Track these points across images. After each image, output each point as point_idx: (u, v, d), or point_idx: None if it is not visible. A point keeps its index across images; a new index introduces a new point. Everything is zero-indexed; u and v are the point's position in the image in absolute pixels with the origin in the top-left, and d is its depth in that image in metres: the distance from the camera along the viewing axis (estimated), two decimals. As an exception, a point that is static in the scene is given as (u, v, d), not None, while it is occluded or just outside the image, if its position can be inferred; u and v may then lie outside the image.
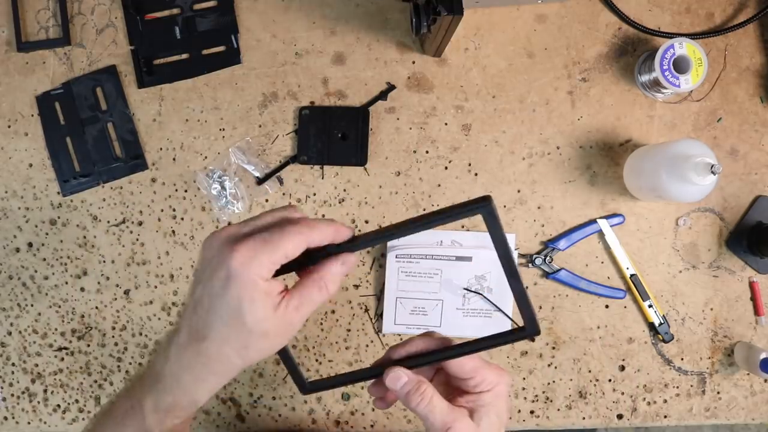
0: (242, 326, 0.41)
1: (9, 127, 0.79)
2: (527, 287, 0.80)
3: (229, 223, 0.73)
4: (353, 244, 0.43)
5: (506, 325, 0.78)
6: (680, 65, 0.74)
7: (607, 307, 0.80)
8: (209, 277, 0.41)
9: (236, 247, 0.40)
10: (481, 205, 0.40)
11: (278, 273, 0.43)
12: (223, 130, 0.79)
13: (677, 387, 0.80)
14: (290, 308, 0.42)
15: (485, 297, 0.78)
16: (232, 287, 0.40)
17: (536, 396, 0.80)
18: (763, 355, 0.74)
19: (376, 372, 0.46)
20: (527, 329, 0.43)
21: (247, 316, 0.40)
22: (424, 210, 0.80)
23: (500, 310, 0.78)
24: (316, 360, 0.80)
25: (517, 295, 0.43)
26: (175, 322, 0.80)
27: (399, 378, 0.44)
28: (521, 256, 0.79)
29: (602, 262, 0.80)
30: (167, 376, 0.44)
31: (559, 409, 0.80)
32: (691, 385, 0.80)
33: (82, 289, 0.80)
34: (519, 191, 0.80)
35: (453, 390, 0.48)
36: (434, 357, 0.46)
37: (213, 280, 0.41)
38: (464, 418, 0.45)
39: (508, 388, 0.48)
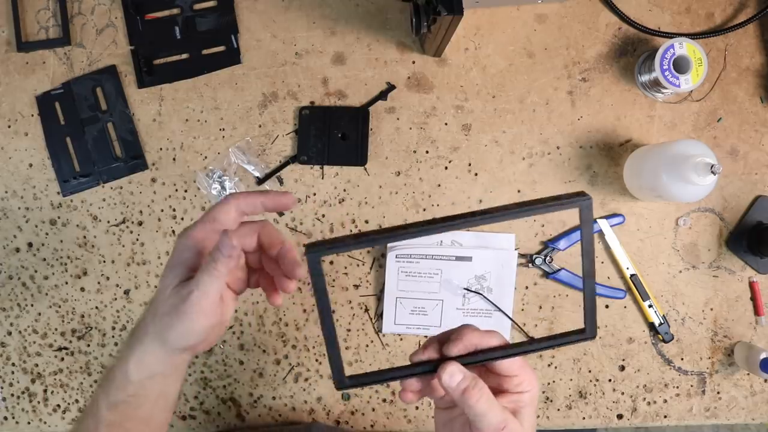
0: (160, 288, 0.46)
1: (9, 127, 0.79)
2: (527, 287, 0.80)
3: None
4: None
5: (506, 325, 0.78)
6: (680, 65, 0.74)
7: (607, 307, 0.80)
8: None
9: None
10: (582, 199, 0.40)
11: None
12: (223, 130, 0.79)
13: (677, 387, 0.80)
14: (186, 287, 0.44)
15: (485, 297, 0.78)
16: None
17: (536, 396, 0.80)
18: (763, 355, 0.74)
19: (425, 368, 0.44)
20: (587, 332, 0.44)
21: (163, 278, 0.45)
22: (424, 210, 0.80)
23: (500, 310, 0.78)
24: (316, 360, 0.80)
25: (587, 295, 0.44)
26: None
27: (455, 374, 0.43)
28: (521, 255, 0.79)
29: (602, 262, 0.80)
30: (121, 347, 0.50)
31: (559, 409, 0.80)
32: (691, 385, 0.80)
33: (82, 289, 0.80)
34: (519, 191, 0.80)
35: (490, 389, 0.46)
36: (491, 355, 0.44)
37: None
38: (513, 417, 0.44)
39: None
